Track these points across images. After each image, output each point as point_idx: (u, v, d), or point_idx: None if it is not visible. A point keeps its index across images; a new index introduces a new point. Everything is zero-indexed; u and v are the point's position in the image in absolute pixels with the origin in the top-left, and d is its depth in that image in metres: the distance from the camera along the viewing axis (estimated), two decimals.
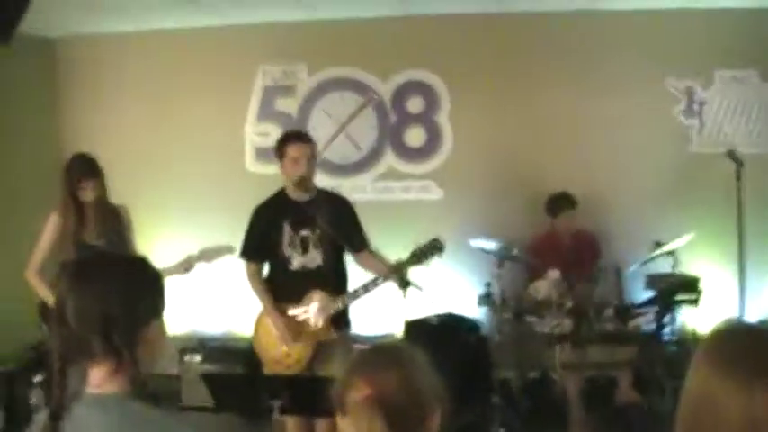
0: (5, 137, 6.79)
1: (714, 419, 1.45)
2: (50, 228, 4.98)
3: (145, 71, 7.33)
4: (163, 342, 1.99)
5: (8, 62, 5.77)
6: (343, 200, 4.94)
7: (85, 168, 4.94)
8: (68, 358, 1.85)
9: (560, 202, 6.26)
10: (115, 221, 5.11)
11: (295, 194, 4.67)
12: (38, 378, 5.23)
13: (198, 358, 6.54)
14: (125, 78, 7.36)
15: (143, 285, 1.93)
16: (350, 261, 4.86)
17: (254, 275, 4.79)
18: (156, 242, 6.70)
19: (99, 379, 1.84)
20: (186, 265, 5.09)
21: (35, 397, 5.17)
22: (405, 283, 4.49)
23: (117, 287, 1.85)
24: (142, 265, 2.03)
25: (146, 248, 6.11)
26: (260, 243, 4.74)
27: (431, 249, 4.56)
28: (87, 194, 4.93)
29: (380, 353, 1.95)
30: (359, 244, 4.76)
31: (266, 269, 4.85)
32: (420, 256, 4.55)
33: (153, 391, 1.89)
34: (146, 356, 1.89)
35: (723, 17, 6.59)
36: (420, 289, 4.53)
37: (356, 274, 4.86)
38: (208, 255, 5.25)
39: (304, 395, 3.82)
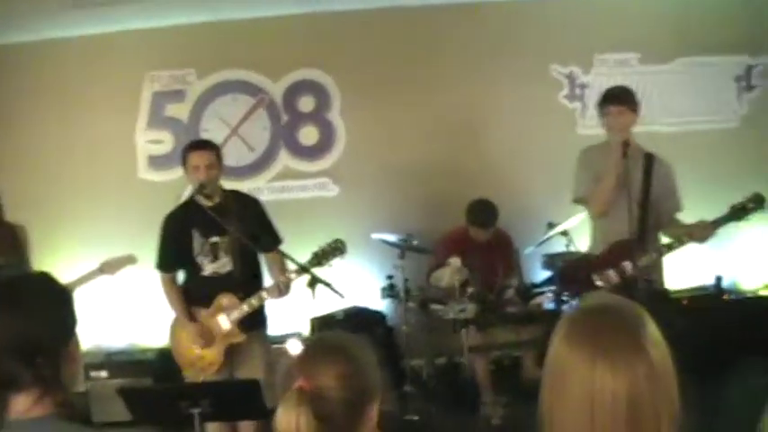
0: None
1: (561, 387, 1.55)
2: None
3: (32, 82, 7.05)
4: (80, 357, 1.92)
5: None
6: (252, 200, 4.95)
7: None
8: None
9: (477, 217, 6.17)
10: (13, 240, 5.00)
11: (203, 201, 4.64)
12: None
13: (104, 374, 6.40)
14: (11, 90, 7.10)
15: (56, 303, 1.86)
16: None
17: (168, 284, 4.79)
18: (56, 258, 6.53)
19: (25, 405, 1.74)
20: (90, 278, 5.02)
21: None
22: (313, 281, 4.53)
23: (31, 310, 1.77)
24: (50, 282, 1.93)
25: (45, 265, 5.95)
26: (172, 253, 4.74)
27: (332, 251, 4.58)
28: None
29: (324, 347, 1.94)
30: (267, 245, 4.72)
31: (182, 276, 4.84)
32: (321, 257, 4.57)
33: (83, 410, 1.82)
34: (69, 375, 1.82)
35: (601, 4, 6.90)
36: (335, 290, 4.56)
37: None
38: (109, 267, 5.17)
39: (223, 400, 3.82)
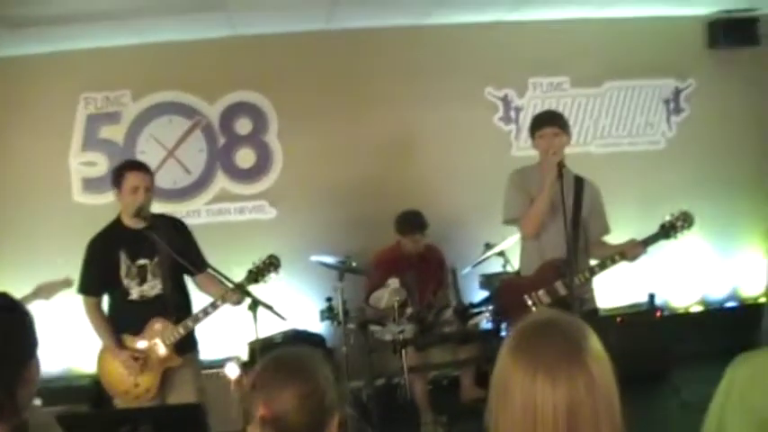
0: None
1: (505, 399, 1.57)
2: None
3: None
4: (38, 379, 1.83)
5: None
6: (178, 222, 4.90)
7: None
8: None
9: (407, 225, 6.30)
10: None
11: (131, 223, 4.57)
12: None
13: (38, 401, 6.23)
14: None
15: (16, 325, 1.78)
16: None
17: (93, 310, 4.64)
18: None
19: None
20: (24, 303, 4.89)
21: None
22: (254, 304, 4.48)
23: None
24: (9, 303, 1.85)
25: None
26: (97, 276, 4.62)
27: (267, 266, 4.54)
28: None
29: (280, 370, 1.95)
30: (198, 265, 4.66)
31: (106, 301, 4.71)
32: (257, 274, 4.53)
33: None
34: (25, 398, 1.75)
35: (534, 29, 7.04)
36: (276, 312, 4.54)
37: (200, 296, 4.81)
38: (45, 291, 5.06)
39: (165, 425, 3.77)
